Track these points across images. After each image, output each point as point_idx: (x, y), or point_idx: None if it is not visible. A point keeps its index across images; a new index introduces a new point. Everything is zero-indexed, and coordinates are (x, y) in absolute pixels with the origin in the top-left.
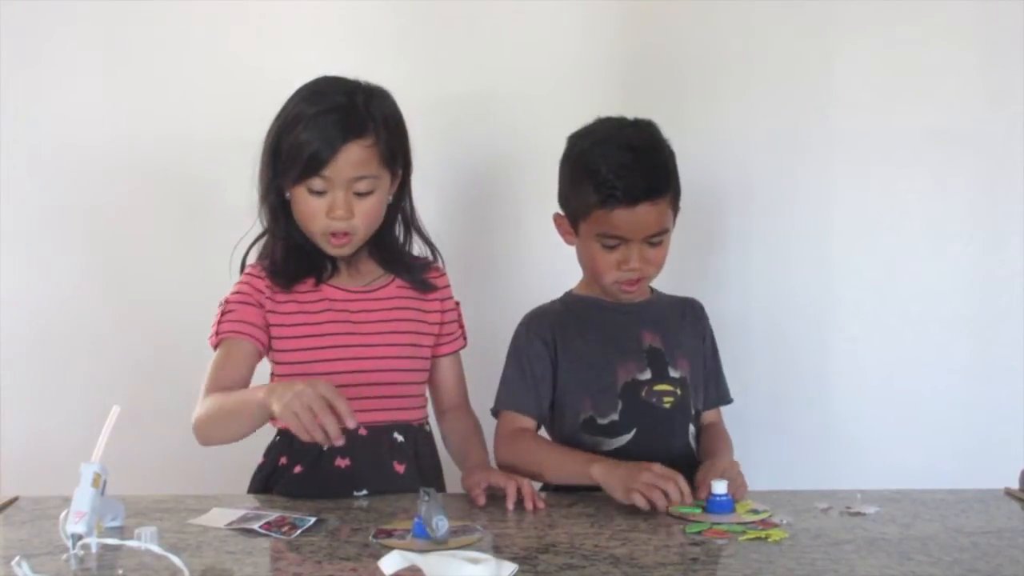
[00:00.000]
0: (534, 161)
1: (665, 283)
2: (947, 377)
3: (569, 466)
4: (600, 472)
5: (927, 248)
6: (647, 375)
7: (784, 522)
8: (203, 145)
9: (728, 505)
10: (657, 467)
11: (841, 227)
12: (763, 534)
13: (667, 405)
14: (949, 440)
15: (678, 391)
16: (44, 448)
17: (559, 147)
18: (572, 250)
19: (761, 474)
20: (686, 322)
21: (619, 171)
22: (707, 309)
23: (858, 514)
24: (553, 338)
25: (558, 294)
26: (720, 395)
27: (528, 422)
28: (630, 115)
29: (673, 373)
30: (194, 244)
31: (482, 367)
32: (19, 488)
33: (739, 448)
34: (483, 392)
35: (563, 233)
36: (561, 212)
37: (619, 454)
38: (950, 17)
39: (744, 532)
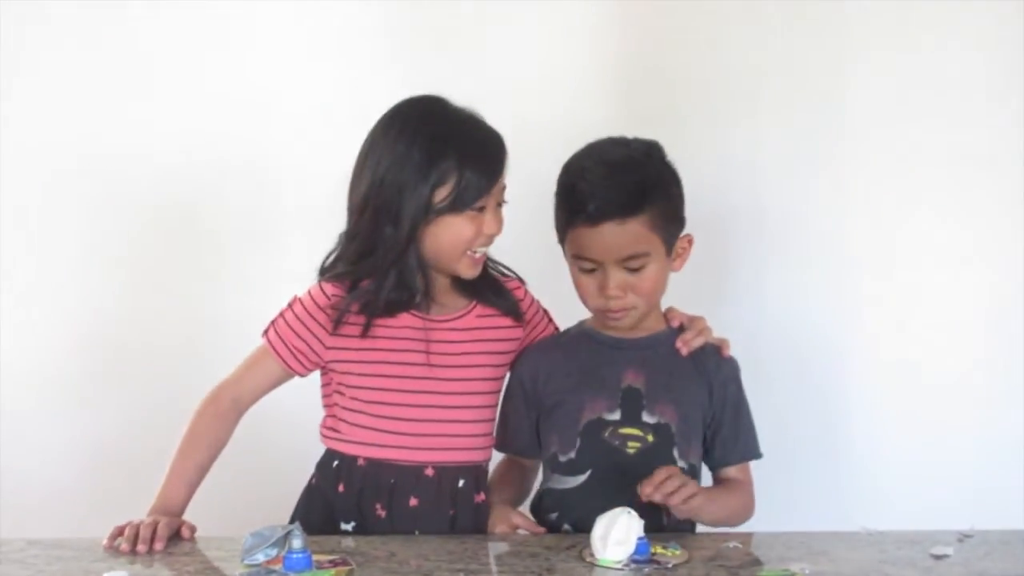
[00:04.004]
0: (525, 178)
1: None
2: (971, 410)
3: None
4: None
5: (949, 274)
6: (616, 415)
7: (806, 572)
8: (182, 159)
9: None
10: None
11: (858, 252)
12: None
13: (631, 450)
14: (971, 475)
15: (649, 437)
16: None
17: (550, 162)
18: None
19: (771, 512)
20: (692, 367)
21: (588, 187)
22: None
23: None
24: (536, 374)
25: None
26: (739, 452)
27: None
28: (632, 131)
29: (648, 418)
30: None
31: None
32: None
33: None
34: None
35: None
36: None
37: (576, 494)
38: (974, 26)
39: None
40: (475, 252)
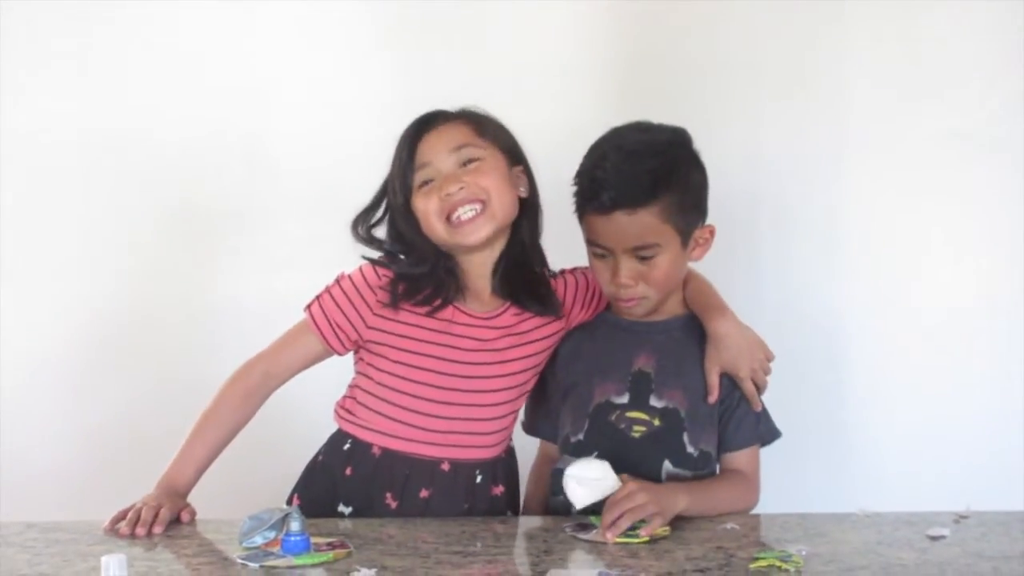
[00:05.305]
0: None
1: None
2: (967, 392)
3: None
4: None
5: (947, 260)
6: (624, 399)
7: (803, 553)
8: (180, 145)
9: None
10: None
11: (856, 240)
12: (778, 563)
13: (635, 434)
14: (968, 458)
15: (655, 421)
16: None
17: (547, 156)
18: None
19: (770, 494)
20: (704, 353)
21: (603, 174)
22: None
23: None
24: (558, 357)
25: None
26: (737, 441)
27: (549, 448)
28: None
29: (655, 402)
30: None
31: None
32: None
33: None
34: None
35: None
36: None
37: None
38: (970, 14)
39: (756, 559)
40: (455, 217)
